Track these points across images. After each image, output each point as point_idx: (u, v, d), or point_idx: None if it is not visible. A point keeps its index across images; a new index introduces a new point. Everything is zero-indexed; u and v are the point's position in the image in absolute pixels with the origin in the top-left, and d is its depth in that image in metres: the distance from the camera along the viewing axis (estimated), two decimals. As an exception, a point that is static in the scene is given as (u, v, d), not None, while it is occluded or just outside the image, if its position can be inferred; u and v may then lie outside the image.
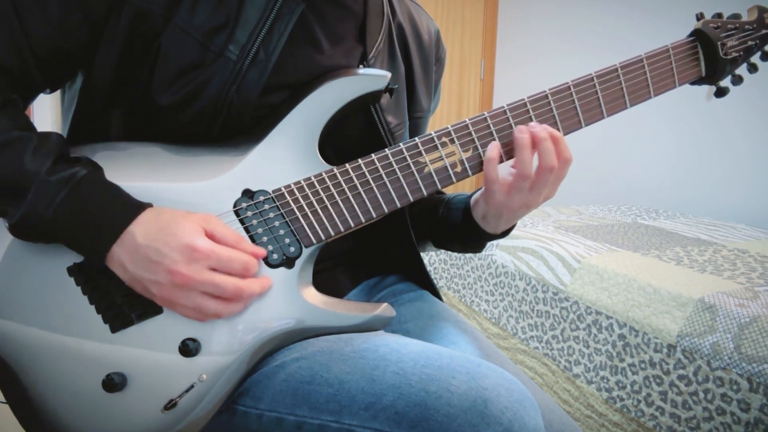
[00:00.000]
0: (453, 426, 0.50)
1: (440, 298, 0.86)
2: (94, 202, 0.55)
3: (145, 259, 0.54)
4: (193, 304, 0.55)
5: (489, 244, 1.75)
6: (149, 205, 0.57)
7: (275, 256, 0.61)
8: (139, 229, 0.55)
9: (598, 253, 1.51)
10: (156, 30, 0.60)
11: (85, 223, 0.55)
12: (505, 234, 0.76)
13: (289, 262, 0.60)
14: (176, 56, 0.60)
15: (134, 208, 0.56)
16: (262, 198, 0.62)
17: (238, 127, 0.64)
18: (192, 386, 0.56)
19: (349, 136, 0.71)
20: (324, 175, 0.63)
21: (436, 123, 3.38)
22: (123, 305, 0.57)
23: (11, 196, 0.54)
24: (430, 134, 0.66)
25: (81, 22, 0.59)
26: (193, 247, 0.54)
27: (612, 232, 1.79)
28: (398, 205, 0.65)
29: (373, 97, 0.66)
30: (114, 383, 0.54)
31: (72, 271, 0.57)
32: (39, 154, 0.55)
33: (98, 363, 0.56)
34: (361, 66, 0.71)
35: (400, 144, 0.65)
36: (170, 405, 0.56)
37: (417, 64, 0.80)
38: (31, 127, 0.58)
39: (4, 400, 0.57)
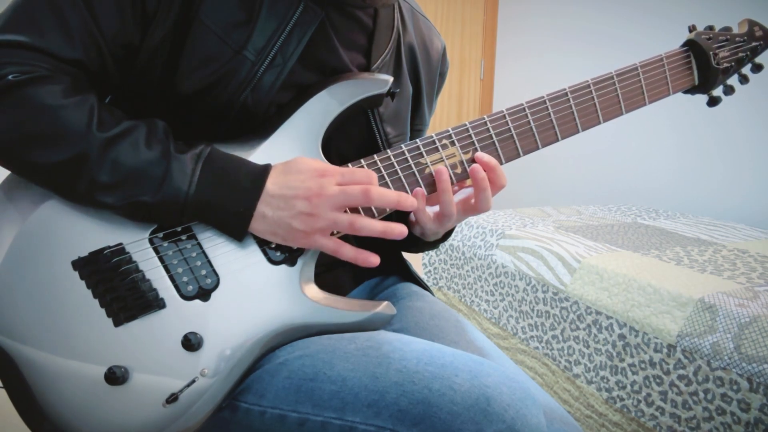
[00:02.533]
0: (456, 423, 0.50)
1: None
2: (226, 171, 0.59)
3: (281, 199, 0.59)
4: (330, 220, 0.59)
5: (488, 244, 1.76)
6: (270, 165, 0.61)
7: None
8: (269, 181, 0.59)
9: (598, 253, 1.51)
10: (195, 14, 0.61)
11: (226, 191, 0.58)
12: (448, 235, 0.80)
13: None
14: (199, 46, 0.61)
15: (262, 167, 0.60)
16: None
17: (248, 126, 0.65)
18: (193, 381, 0.57)
19: (350, 144, 0.72)
20: None
21: (436, 123, 3.38)
22: (126, 299, 0.57)
23: (145, 182, 0.56)
24: (431, 136, 0.68)
25: (141, 13, 0.60)
26: (320, 171, 0.60)
27: (612, 232, 1.79)
28: (387, 210, 0.66)
29: (375, 101, 0.68)
30: (116, 376, 0.54)
31: (76, 265, 0.57)
32: (156, 139, 0.58)
33: (100, 356, 0.55)
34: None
35: (402, 145, 0.67)
36: (171, 399, 0.56)
37: (424, 81, 0.82)
38: (126, 116, 0.60)
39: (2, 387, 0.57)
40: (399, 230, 0.61)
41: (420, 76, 0.80)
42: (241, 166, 0.59)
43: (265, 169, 0.60)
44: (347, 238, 0.67)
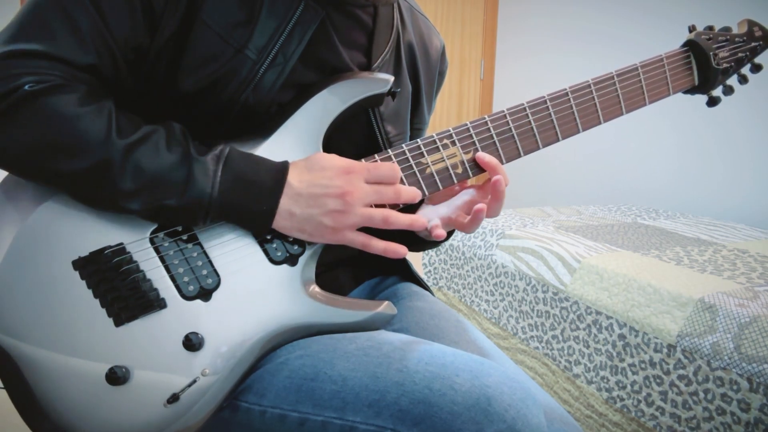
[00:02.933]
0: (456, 423, 0.50)
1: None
2: (247, 170, 0.59)
3: (310, 197, 0.59)
4: (363, 217, 0.60)
5: (489, 244, 1.76)
6: (288, 162, 0.61)
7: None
8: (293, 178, 0.60)
9: (598, 253, 1.51)
10: (197, 14, 0.61)
11: (249, 190, 0.58)
12: (449, 235, 0.79)
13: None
14: (200, 46, 0.61)
15: (282, 165, 0.61)
16: None
17: (249, 125, 0.65)
18: (194, 381, 0.57)
19: (350, 143, 0.72)
20: None
21: (436, 123, 3.38)
22: (127, 299, 0.57)
23: (168, 186, 0.56)
24: (432, 136, 0.68)
25: (150, 16, 0.60)
26: (347, 168, 0.60)
27: (612, 232, 1.79)
28: (400, 205, 0.66)
29: (375, 100, 0.68)
30: (117, 376, 0.54)
31: (77, 264, 0.57)
32: (174, 143, 0.58)
33: (101, 356, 0.55)
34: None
35: (403, 145, 0.67)
36: (173, 399, 0.56)
37: (423, 80, 0.82)
38: (144, 121, 0.60)
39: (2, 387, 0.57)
40: (422, 222, 0.64)
41: (419, 74, 0.81)
42: (261, 164, 0.60)
43: (285, 166, 0.60)
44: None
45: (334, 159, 0.61)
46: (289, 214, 0.59)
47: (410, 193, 0.64)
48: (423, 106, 0.83)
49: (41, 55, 0.56)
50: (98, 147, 0.55)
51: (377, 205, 0.63)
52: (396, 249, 0.63)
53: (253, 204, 0.58)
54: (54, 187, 0.58)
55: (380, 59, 0.73)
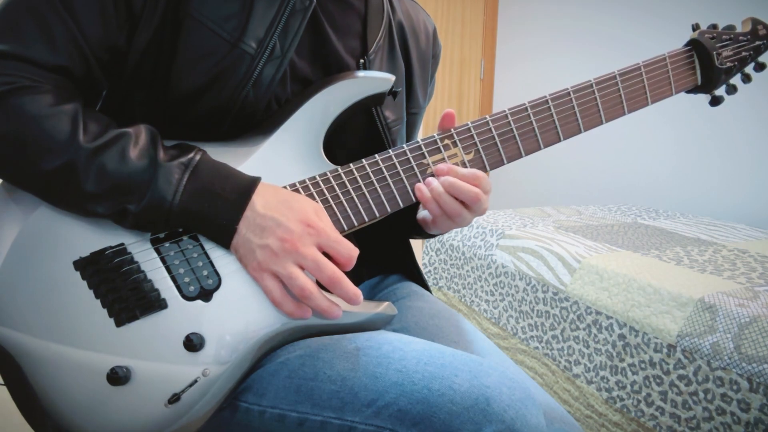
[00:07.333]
0: (455, 423, 0.50)
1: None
2: (214, 182, 0.58)
3: (259, 226, 0.57)
4: (287, 271, 0.56)
5: (488, 244, 1.76)
6: (259, 179, 0.60)
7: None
8: (259, 199, 0.58)
9: (598, 253, 1.51)
10: (185, 10, 0.61)
11: (213, 202, 0.57)
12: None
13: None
14: (193, 43, 0.61)
15: (251, 181, 0.59)
16: None
17: (248, 123, 0.65)
18: (195, 381, 0.57)
19: (348, 129, 0.72)
20: (329, 174, 0.65)
21: (436, 123, 3.38)
22: (128, 299, 0.57)
23: (131, 192, 0.55)
24: (433, 136, 0.68)
25: (125, 14, 0.60)
26: (310, 223, 0.57)
27: (612, 232, 1.79)
28: (401, 205, 0.66)
29: (377, 99, 0.68)
30: (118, 377, 0.54)
31: (78, 265, 0.57)
32: (143, 147, 0.57)
33: (103, 356, 0.56)
34: (360, 60, 0.73)
35: (404, 146, 0.67)
36: (173, 399, 0.56)
37: (415, 62, 0.81)
38: (114, 123, 0.59)
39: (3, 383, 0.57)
40: (335, 314, 0.58)
41: (411, 57, 0.80)
42: (229, 177, 0.59)
43: (253, 183, 0.59)
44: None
45: (308, 208, 0.59)
46: (236, 231, 0.58)
47: (346, 292, 0.57)
48: (416, 90, 0.83)
49: (10, 56, 0.55)
50: (63, 149, 0.54)
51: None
52: (302, 314, 0.58)
53: (214, 216, 0.57)
54: (24, 188, 0.57)
55: (375, 45, 0.73)
